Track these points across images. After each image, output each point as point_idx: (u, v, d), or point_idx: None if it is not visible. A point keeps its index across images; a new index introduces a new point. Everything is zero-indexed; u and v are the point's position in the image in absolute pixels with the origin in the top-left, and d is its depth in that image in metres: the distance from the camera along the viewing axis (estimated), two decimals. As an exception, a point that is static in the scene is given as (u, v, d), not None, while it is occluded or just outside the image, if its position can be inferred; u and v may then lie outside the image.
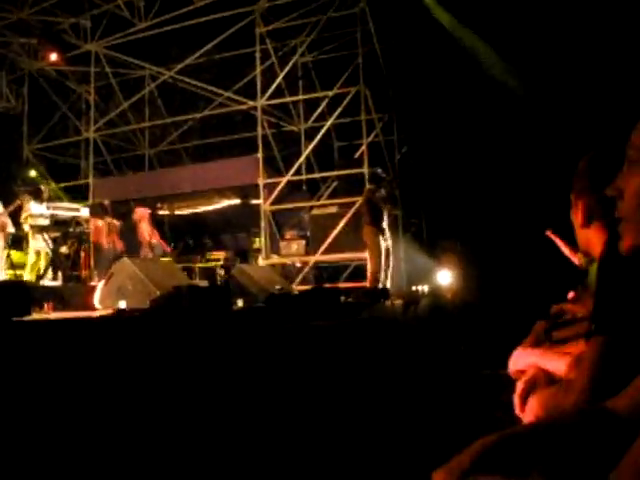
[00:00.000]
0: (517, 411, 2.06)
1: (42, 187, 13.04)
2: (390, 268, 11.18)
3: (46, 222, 12.15)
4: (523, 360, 2.23)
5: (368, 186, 11.39)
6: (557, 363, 2.04)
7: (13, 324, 4.64)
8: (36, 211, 11.94)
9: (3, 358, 3.94)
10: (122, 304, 7.84)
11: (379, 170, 11.91)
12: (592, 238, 2.05)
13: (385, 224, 11.11)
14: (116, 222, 13.46)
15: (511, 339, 2.65)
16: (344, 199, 13.89)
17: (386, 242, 11.06)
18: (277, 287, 10.68)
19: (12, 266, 11.68)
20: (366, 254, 11.35)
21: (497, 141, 13.86)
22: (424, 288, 11.66)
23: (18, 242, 12.08)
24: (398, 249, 14.50)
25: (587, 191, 2.03)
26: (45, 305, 9.32)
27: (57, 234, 12.33)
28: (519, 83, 13.43)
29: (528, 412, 1.91)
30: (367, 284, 11.15)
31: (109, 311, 7.62)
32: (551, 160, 11.07)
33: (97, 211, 12.63)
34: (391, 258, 11.20)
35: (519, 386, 2.09)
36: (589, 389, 1.64)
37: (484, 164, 14.14)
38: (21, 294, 5.22)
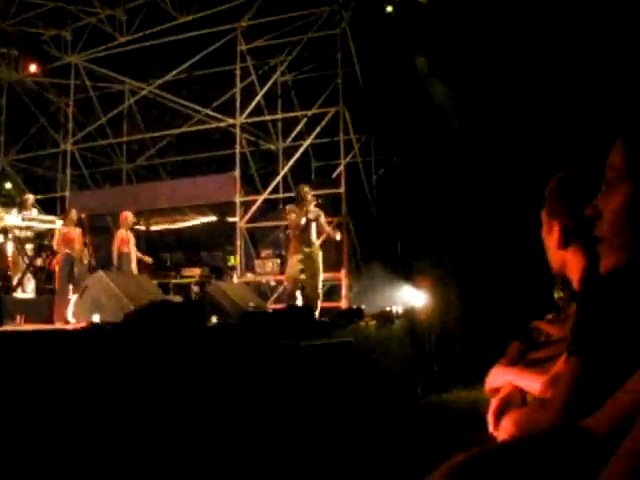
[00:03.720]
0: (491, 429, 2.06)
1: (26, 196, 12.89)
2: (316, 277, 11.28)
3: (21, 233, 12.03)
4: (499, 378, 2.22)
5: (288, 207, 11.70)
6: (532, 382, 2.03)
7: (-15, 335, 4.60)
8: (11, 222, 11.82)
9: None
10: (96, 318, 7.78)
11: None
12: (569, 260, 2.02)
13: (314, 237, 11.23)
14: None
15: (486, 359, 2.66)
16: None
17: (312, 251, 11.14)
18: (251, 305, 10.66)
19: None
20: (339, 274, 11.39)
21: (474, 163, 13.95)
22: (398, 309, 11.65)
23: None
24: (372, 269, 14.49)
25: (563, 212, 2.02)
26: (17, 317, 9.25)
27: (32, 245, 12.21)
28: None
29: (502, 430, 1.90)
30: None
31: (82, 324, 7.57)
32: (524, 180, 11.15)
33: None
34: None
35: (493, 403, 2.09)
36: (564, 408, 1.63)
37: (462, 186, 14.21)
38: (-7, 305, 5.18)
